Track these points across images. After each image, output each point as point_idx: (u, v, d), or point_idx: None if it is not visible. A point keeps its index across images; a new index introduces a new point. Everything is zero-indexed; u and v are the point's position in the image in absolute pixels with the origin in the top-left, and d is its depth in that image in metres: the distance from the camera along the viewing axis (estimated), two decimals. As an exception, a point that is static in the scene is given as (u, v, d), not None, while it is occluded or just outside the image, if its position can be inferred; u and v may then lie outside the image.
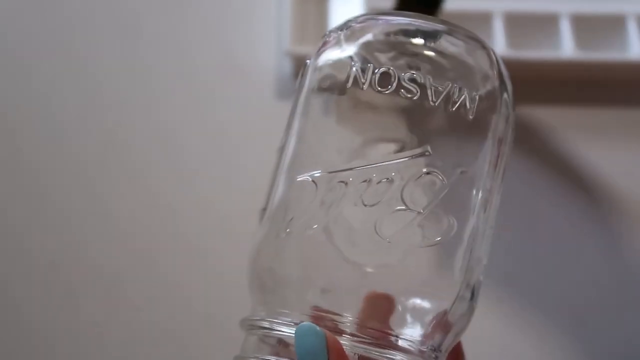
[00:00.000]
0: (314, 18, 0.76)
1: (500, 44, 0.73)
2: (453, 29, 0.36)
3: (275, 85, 0.73)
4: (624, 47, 0.75)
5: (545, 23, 0.75)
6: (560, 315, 0.65)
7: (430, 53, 0.35)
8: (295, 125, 0.36)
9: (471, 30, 0.74)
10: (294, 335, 0.31)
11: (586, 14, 0.76)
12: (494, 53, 0.36)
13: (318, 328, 0.30)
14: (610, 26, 0.76)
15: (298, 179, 0.34)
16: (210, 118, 0.72)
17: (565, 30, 0.74)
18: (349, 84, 0.35)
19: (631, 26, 0.75)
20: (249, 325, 0.34)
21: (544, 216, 0.69)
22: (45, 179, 0.69)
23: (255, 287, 0.35)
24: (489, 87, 0.35)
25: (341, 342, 0.31)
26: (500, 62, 0.36)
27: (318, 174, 0.34)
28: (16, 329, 0.63)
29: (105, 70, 0.74)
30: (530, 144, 0.72)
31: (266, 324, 0.33)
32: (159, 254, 0.66)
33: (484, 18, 0.75)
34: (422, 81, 0.34)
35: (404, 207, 0.33)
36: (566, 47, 0.74)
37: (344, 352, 0.31)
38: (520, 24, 0.75)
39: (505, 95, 0.36)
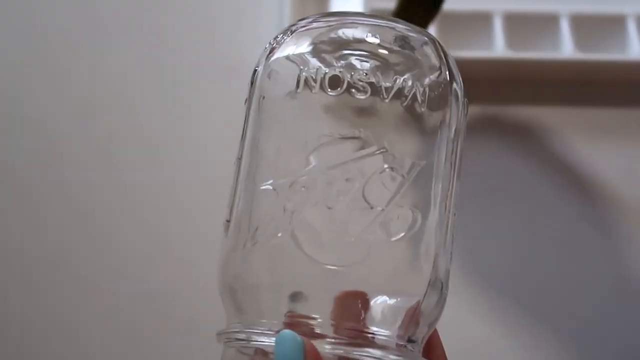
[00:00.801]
0: (314, 18, 0.76)
1: (500, 44, 0.73)
2: (397, 24, 0.36)
3: (275, 85, 0.73)
4: (624, 47, 0.75)
5: (545, 23, 0.75)
6: (558, 317, 0.65)
7: (378, 50, 0.35)
8: (249, 133, 0.37)
9: (471, 30, 0.74)
10: (271, 343, 0.32)
11: (586, 14, 0.76)
12: (439, 44, 0.36)
13: (297, 336, 0.31)
14: (610, 26, 0.76)
15: (260, 188, 0.34)
16: (210, 118, 0.72)
17: (565, 30, 0.74)
18: (300, 89, 0.35)
19: (631, 26, 0.75)
20: (226, 338, 0.34)
21: (543, 217, 0.69)
22: (39, 178, 0.69)
23: (227, 300, 0.35)
24: (438, 78, 0.36)
25: (321, 345, 0.31)
26: (448, 52, 0.36)
27: (278, 182, 0.34)
28: (14, 330, 0.63)
29: (104, 69, 0.74)
30: (530, 144, 0.72)
31: (243, 335, 0.33)
32: (159, 256, 0.66)
33: (484, 18, 0.75)
34: (372, 79, 0.34)
35: (367, 205, 0.33)
36: (566, 47, 0.74)
37: (320, 357, 0.31)
38: (520, 24, 0.75)
39: (454, 84, 0.36)
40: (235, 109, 0.72)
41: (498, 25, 0.74)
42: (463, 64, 0.38)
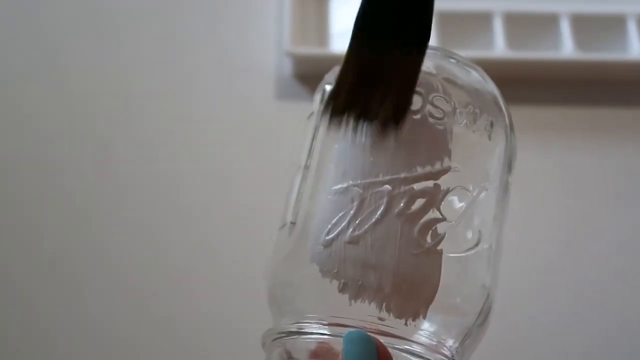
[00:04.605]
0: (314, 18, 0.76)
1: (500, 44, 0.73)
2: (465, 62, 0.39)
3: (275, 85, 0.73)
4: (624, 47, 0.75)
5: (545, 23, 0.75)
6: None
7: (454, 80, 0.37)
8: (319, 145, 0.37)
9: (471, 30, 0.74)
10: (329, 336, 0.32)
11: (586, 14, 0.76)
12: (484, 73, 0.39)
13: (367, 334, 0.31)
14: (610, 26, 0.76)
15: (332, 192, 0.35)
16: (210, 118, 0.72)
17: (565, 30, 0.74)
18: None
19: (631, 26, 0.75)
20: (277, 333, 0.34)
21: (543, 216, 0.69)
22: (46, 175, 0.69)
23: (280, 299, 0.36)
24: (497, 110, 0.38)
25: (389, 342, 0.32)
26: (490, 79, 0.39)
27: (353, 187, 0.35)
28: (19, 327, 0.63)
29: (107, 69, 0.74)
30: (530, 143, 0.72)
31: (294, 328, 0.33)
32: (159, 252, 0.66)
33: (484, 18, 0.75)
34: (449, 104, 0.36)
35: (440, 217, 0.34)
36: (566, 47, 0.74)
37: (391, 355, 0.31)
38: (520, 24, 0.75)
39: (507, 114, 0.38)
40: (239, 107, 0.73)
41: (498, 25, 0.74)
42: (463, 64, 0.39)
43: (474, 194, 0.35)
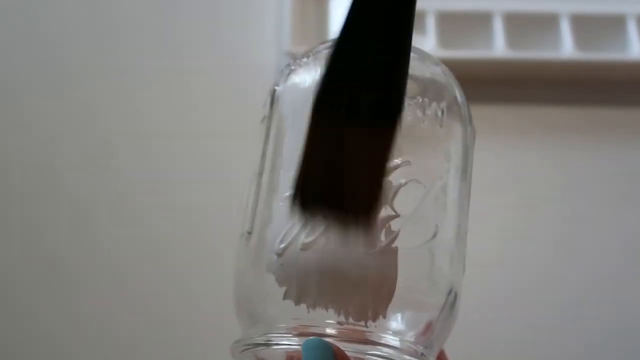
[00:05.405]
0: (314, 18, 0.76)
1: (500, 44, 0.73)
2: (422, 53, 0.38)
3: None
4: (624, 47, 0.75)
5: (545, 23, 0.75)
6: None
7: None
8: (271, 150, 0.37)
9: (471, 30, 0.74)
10: (297, 345, 0.32)
11: (586, 14, 0.76)
12: (445, 67, 0.38)
13: (325, 341, 0.31)
14: (610, 26, 0.76)
15: (284, 198, 0.34)
16: (210, 118, 0.72)
17: (565, 30, 0.74)
18: None
19: (631, 26, 0.75)
20: (244, 345, 0.33)
21: (543, 216, 0.69)
22: (47, 176, 0.69)
23: (245, 309, 0.35)
24: (450, 98, 0.37)
25: (346, 347, 0.31)
26: (451, 74, 0.38)
27: None
28: (19, 326, 0.63)
29: (107, 69, 0.74)
30: (530, 143, 0.72)
31: (262, 340, 0.33)
32: (159, 253, 0.66)
33: (484, 18, 0.75)
34: None
35: (393, 213, 0.33)
36: (566, 47, 0.74)
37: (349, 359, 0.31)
38: (520, 24, 0.75)
39: (464, 107, 0.37)
40: (236, 106, 0.73)
41: (498, 25, 0.74)
42: (463, 64, 0.38)
43: (428, 185, 0.34)
